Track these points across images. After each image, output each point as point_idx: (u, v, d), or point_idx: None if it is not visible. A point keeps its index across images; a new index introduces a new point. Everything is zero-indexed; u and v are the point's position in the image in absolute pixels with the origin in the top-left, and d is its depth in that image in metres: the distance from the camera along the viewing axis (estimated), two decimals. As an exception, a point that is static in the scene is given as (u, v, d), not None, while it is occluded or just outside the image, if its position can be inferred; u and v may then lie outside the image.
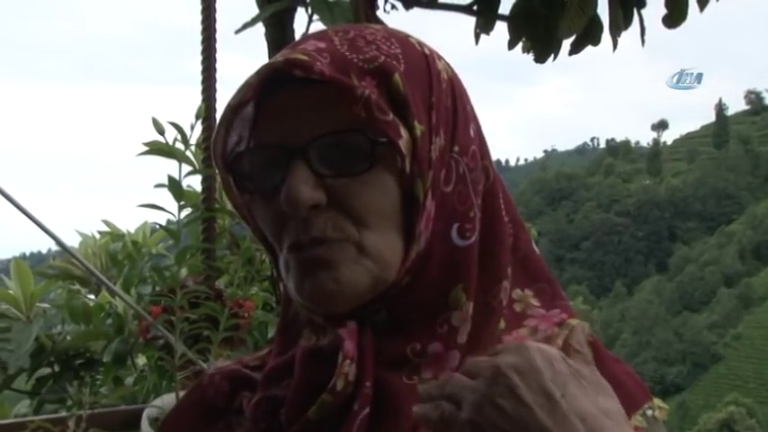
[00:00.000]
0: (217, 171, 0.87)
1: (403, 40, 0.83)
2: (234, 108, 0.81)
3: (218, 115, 0.86)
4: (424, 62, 0.82)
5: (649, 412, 0.81)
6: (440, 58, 0.86)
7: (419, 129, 0.78)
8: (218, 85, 2.53)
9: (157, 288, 2.49)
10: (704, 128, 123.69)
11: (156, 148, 2.51)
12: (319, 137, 0.77)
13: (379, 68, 0.78)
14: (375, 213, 0.78)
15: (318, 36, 0.82)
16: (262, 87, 0.80)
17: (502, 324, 0.83)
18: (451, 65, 0.88)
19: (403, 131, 0.78)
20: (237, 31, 2.49)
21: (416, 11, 2.97)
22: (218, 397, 0.89)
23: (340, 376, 0.76)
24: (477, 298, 0.81)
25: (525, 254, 0.88)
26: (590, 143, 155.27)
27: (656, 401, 0.83)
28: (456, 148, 0.82)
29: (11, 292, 2.67)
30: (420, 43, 0.85)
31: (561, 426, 0.64)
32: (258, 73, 0.79)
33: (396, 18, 2.84)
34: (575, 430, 0.64)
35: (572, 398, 0.65)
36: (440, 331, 0.80)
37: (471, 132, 0.84)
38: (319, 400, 0.76)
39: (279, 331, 0.89)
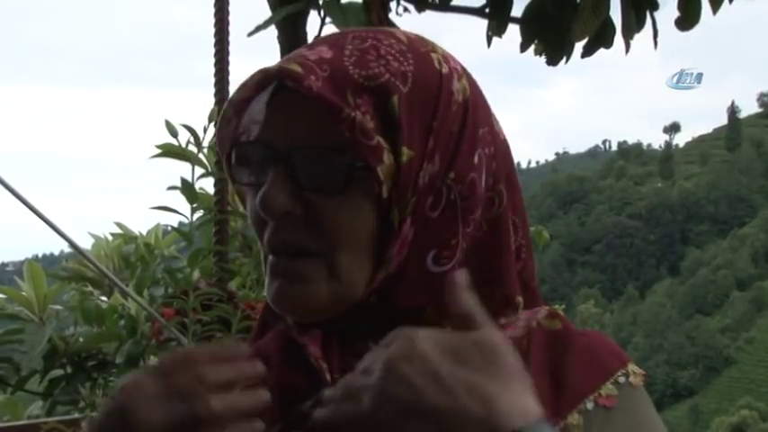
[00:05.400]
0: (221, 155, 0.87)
1: (422, 56, 0.80)
2: (235, 104, 0.83)
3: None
4: (436, 83, 0.79)
5: (622, 379, 0.82)
6: (461, 77, 0.82)
7: (407, 154, 0.77)
8: (230, 88, 2.54)
9: (170, 290, 2.50)
10: (716, 130, 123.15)
11: (169, 151, 2.52)
12: (302, 147, 0.77)
13: (379, 87, 0.77)
14: (347, 234, 0.78)
15: (331, 42, 0.81)
16: (269, 83, 0.80)
17: None
18: (476, 84, 0.84)
19: (387, 157, 0.76)
20: (250, 34, 2.50)
21: (429, 13, 2.98)
22: None
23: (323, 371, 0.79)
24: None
25: (526, 281, 0.88)
26: (602, 146, 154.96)
27: (631, 367, 0.83)
28: (452, 175, 0.79)
29: (24, 293, 2.68)
30: (441, 61, 0.81)
31: (452, 402, 0.67)
32: (253, 77, 0.80)
33: (408, 21, 2.85)
34: (464, 404, 0.67)
35: (457, 373, 0.68)
36: None
37: (476, 159, 0.81)
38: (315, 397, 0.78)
39: (261, 313, 0.93)
